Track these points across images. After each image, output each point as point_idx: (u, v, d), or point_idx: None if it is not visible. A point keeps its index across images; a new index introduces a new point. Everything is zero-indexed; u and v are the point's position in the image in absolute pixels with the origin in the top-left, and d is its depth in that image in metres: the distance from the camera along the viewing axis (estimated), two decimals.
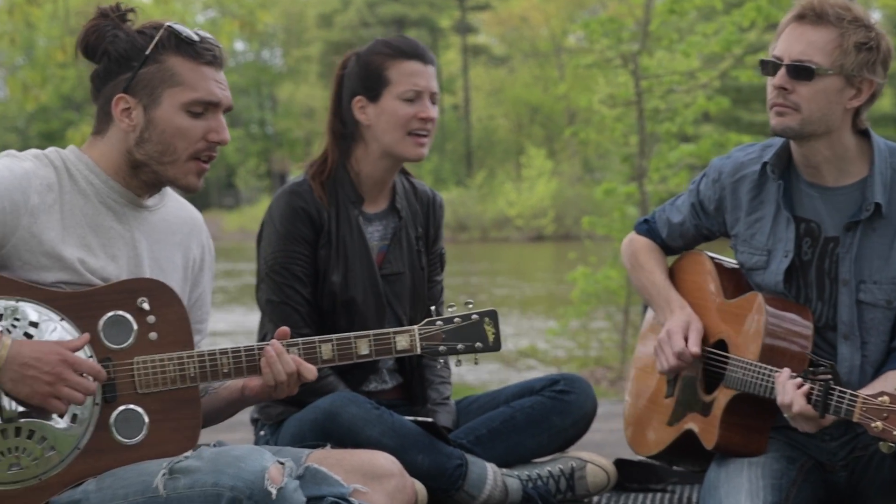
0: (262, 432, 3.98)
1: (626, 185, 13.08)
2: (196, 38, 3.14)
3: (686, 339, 3.81)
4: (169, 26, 3.13)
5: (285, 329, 3.22)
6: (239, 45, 55.32)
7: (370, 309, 3.95)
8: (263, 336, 3.96)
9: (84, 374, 2.95)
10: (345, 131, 4.03)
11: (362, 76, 3.98)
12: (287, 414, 3.88)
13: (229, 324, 17.43)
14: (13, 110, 62.08)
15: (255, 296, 4.04)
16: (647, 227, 4.14)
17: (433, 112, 3.95)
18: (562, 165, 51.79)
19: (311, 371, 3.19)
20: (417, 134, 3.95)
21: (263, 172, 54.96)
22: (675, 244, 4.09)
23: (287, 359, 3.17)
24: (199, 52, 3.14)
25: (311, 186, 3.97)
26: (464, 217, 43.32)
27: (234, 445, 3.03)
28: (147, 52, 3.11)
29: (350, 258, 3.95)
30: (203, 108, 3.14)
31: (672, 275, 4.07)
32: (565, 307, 13.96)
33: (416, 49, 3.96)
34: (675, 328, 3.83)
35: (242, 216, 44.13)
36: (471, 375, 12.27)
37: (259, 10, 12.60)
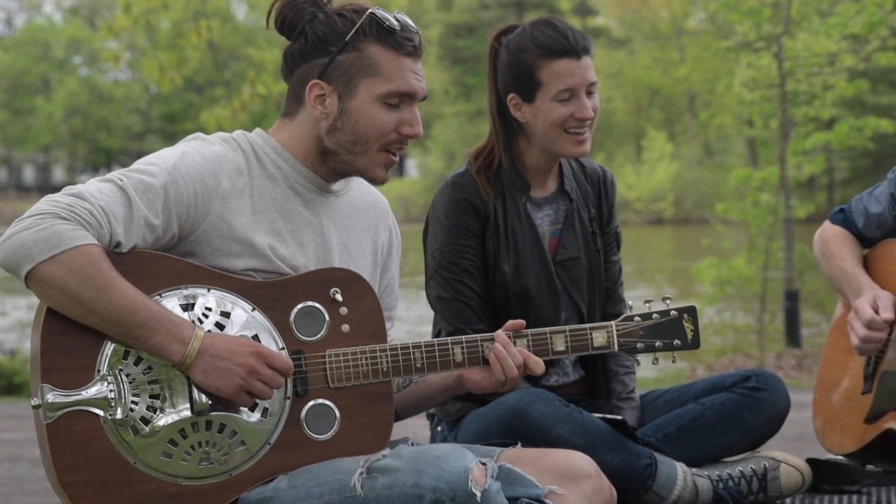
0: (439, 428, 3.85)
1: (762, 170, 12.86)
2: (397, 25, 3.00)
3: (876, 310, 3.68)
4: (371, 12, 2.99)
5: (519, 322, 3.11)
6: None
7: (545, 298, 3.81)
8: (437, 333, 3.84)
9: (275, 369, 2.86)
10: (506, 122, 3.88)
11: (514, 75, 3.79)
12: (466, 410, 3.75)
13: None
14: (136, 92, 63.05)
15: (424, 293, 3.92)
16: (842, 217, 3.98)
17: (590, 110, 3.76)
18: (682, 148, 51.36)
19: (539, 365, 3.07)
20: (576, 132, 3.79)
21: None
22: (871, 235, 3.91)
23: (514, 351, 3.05)
24: (400, 42, 3.01)
25: (474, 178, 3.83)
26: None
27: (433, 444, 2.91)
28: (346, 38, 2.99)
29: (520, 247, 3.80)
30: (399, 99, 3.02)
31: (866, 265, 3.89)
32: (697, 295, 13.78)
33: (566, 44, 3.73)
34: (862, 301, 3.71)
35: None
36: None
37: None
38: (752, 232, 12.86)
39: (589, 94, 3.77)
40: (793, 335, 12.03)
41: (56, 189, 2.88)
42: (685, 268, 20.41)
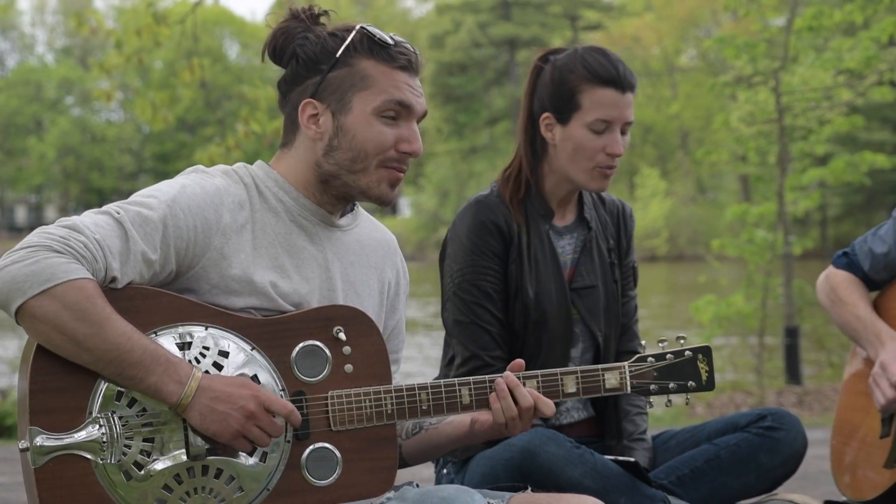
0: (444, 470, 3.71)
1: (759, 206, 12.80)
2: (391, 41, 2.89)
3: None
4: (362, 27, 2.88)
5: (520, 361, 2.97)
6: None
7: (559, 328, 3.69)
8: (451, 359, 3.71)
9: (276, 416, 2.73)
10: (534, 143, 3.77)
11: (554, 93, 3.67)
12: (473, 452, 3.61)
13: None
14: (128, 132, 63.07)
15: (441, 317, 3.79)
16: (846, 261, 3.87)
17: (622, 147, 3.64)
18: (675, 185, 51.44)
19: (549, 406, 2.92)
20: (603, 167, 3.67)
21: None
22: (878, 276, 3.81)
23: (523, 392, 2.91)
24: (393, 56, 2.88)
25: (500, 198, 3.71)
26: None
27: (439, 486, 2.79)
28: (337, 55, 2.87)
29: (542, 274, 3.68)
30: (396, 112, 2.89)
31: (877, 307, 3.78)
32: (696, 331, 13.67)
33: (614, 74, 3.62)
34: (890, 359, 3.57)
35: None
36: None
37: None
38: (749, 269, 12.76)
39: (623, 132, 3.66)
40: (793, 372, 11.92)
41: None
42: (681, 305, 20.31)
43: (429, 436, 3.06)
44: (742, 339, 13.79)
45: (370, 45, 2.88)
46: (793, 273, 12.36)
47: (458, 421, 3.01)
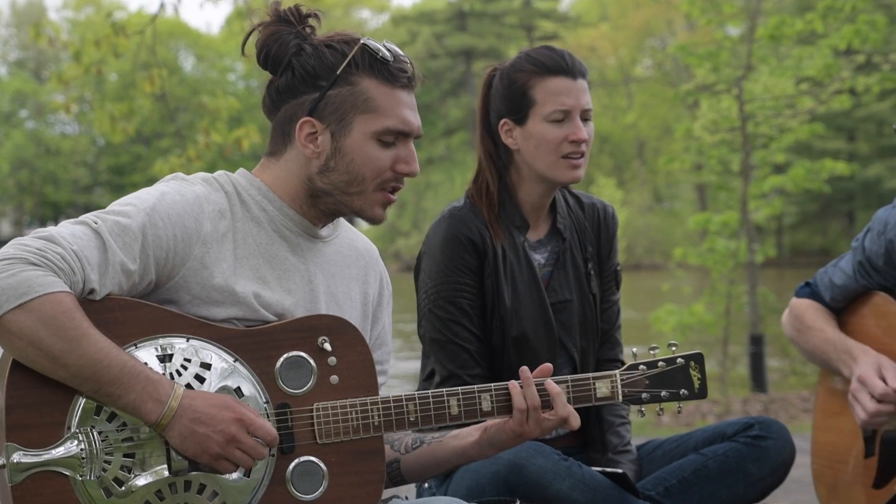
0: (425, 484, 3.63)
1: (722, 215, 12.83)
2: (390, 56, 2.80)
3: (884, 381, 3.51)
4: (364, 43, 2.79)
5: (547, 366, 2.90)
6: None
7: (542, 343, 3.61)
8: (430, 374, 3.63)
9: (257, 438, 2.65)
10: (498, 153, 3.70)
11: (507, 96, 3.62)
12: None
13: None
14: (83, 145, 62.68)
15: (416, 333, 3.71)
16: (809, 291, 3.85)
17: (584, 133, 3.58)
18: (631, 195, 51.60)
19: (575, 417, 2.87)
20: (570, 156, 3.61)
21: None
22: (840, 306, 3.79)
23: (551, 384, 2.85)
24: (395, 75, 2.80)
25: (474, 210, 3.64)
26: None
27: (430, 498, 2.72)
28: (338, 72, 2.78)
29: (519, 288, 3.61)
30: (395, 137, 2.82)
31: (846, 325, 3.75)
32: (658, 340, 13.67)
33: (562, 63, 3.58)
34: (868, 372, 3.54)
35: None
36: None
37: None
38: (713, 277, 12.77)
39: (584, 120, 3.60)
40: (758, 380, 11.92)
41: (2, 243, 2.65)
42: (641, 314, 20.31)
43: (431, 449, 2.98)
44: (706, 348, 13.80)
45: (371, 63, 2.80)
46: (756, 281, 12.37)
47: (465, 432, 2.94)
